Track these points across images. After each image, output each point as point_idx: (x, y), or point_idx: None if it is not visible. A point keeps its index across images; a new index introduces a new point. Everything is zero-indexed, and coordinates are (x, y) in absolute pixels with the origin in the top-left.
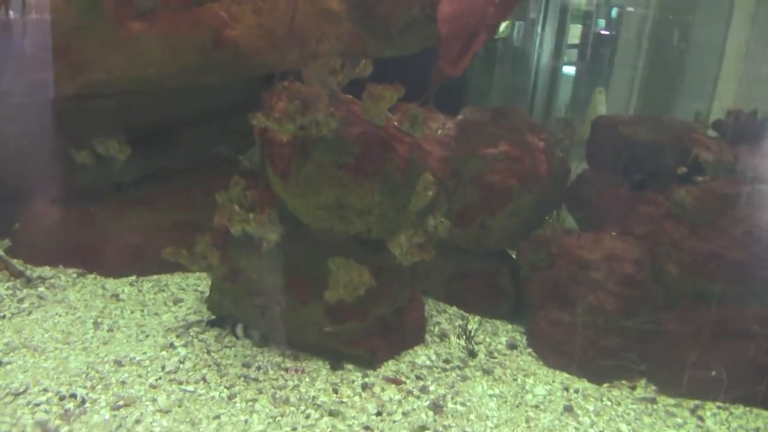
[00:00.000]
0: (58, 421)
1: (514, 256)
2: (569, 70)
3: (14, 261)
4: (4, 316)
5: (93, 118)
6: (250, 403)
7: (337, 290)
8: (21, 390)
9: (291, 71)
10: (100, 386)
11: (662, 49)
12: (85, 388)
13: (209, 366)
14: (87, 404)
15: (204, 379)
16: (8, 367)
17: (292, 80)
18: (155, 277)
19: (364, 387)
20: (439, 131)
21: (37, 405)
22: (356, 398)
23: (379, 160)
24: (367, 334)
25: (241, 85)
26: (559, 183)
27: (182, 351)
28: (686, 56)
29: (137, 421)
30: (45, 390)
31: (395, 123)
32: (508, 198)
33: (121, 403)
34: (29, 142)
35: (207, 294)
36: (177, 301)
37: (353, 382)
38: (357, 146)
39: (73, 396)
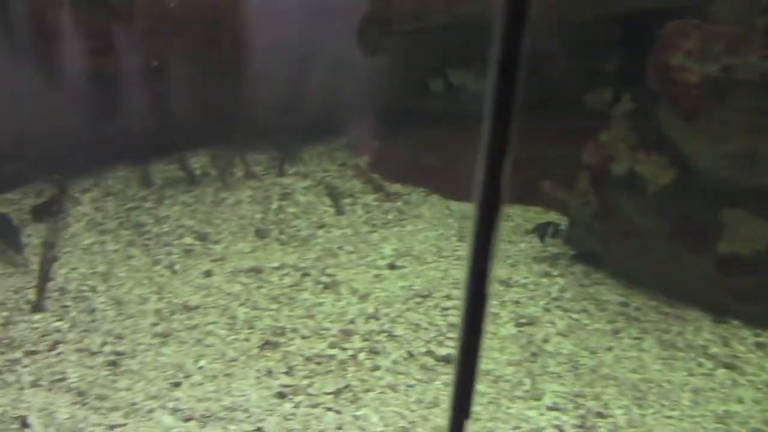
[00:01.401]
0: None
1: None
2: None
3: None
4: (375, 225)
5: (444, 50)
6: (637, 341)
7: (734, 243)
8: (426, 293)
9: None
10: (496, 302)
11: None
12: None
13: (587, 299)
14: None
15: (586, 310)
16: (403, 270)
17: (700, 19)
18: None
19: (759, 345)
20: None
21: (445, 309)
22: (751, 355)
23: None
24: (760, 291)
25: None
26: None
27: (560, 281)
28: None
29: (544, 340)
30: (447, 297)
31: None
32: None
33: (523, 320)
34: (395, 70)
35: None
36: (526, 232)
37: (744, 339)
38: None
39: None
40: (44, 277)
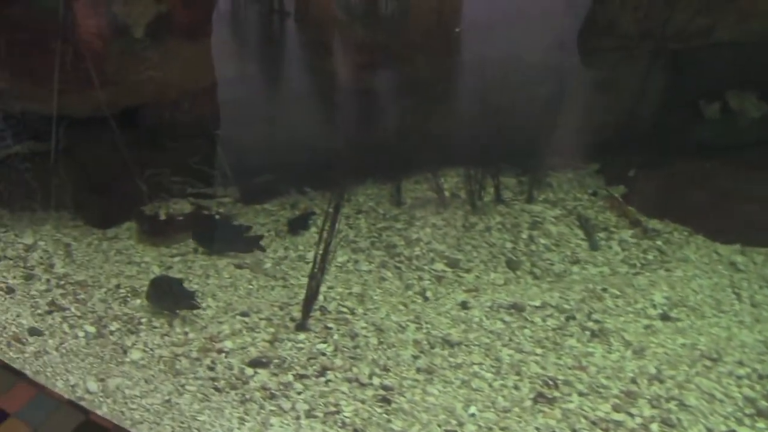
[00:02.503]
0: (765, 403)
1: None
2: None
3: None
4: (634, 265)
5: (722, 70)
6: None
7: None
8: (714, 357)
9: None
10: None
11: None
12: None
13: None
14: None
15: None
16: (680, 324)
17: None
18: (764, 249)
19: None
20: None
21: (740, 378)
22: None
23: None
24: None
25: None
26: None
27: None
28: None
29: None
30: (739, 363)
31: None
32: None
33: None
34: (653, 89)
35: None
36: None
37: None
38: None
39: None
40: (312, 295)
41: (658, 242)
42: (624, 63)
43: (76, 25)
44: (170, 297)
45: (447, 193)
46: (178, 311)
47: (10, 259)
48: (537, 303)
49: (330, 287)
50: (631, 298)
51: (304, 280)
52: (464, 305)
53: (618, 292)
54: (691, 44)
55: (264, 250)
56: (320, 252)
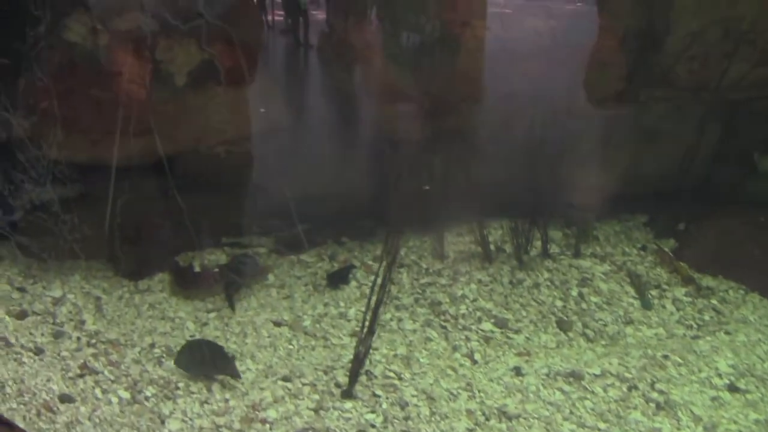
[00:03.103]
0: None
1: None
2: None
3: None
4: (691, 326)
5: None
6: None
7: None
8: None
9: None
10: None
11: None
12: None
13: None
14: None
15: None
16: (750, 396)
17: None
18: None
19: None
20: None
21: None
22: None
23: None
24: None
25: None
26: None
27: None
28: None
29: None
30: None
31: None
32: None
33: None
34: (702, 140)
35: None
36: None
37: None
38: None
39: None
40: (360, 361)
41: (713, 301)
42: (677, 113)
43: (117, 74)
44: (207, 364)
45: (493, 247)
46: (216, 377)
47: (39, 315)
48: (596, 371)
49: (374, 348)
50: (695, 365)
51: (347, 340)
52: (518, 371)
53: (680, 359)
54: (747, 95)
55: (234, 309)
56: (368, 313)
